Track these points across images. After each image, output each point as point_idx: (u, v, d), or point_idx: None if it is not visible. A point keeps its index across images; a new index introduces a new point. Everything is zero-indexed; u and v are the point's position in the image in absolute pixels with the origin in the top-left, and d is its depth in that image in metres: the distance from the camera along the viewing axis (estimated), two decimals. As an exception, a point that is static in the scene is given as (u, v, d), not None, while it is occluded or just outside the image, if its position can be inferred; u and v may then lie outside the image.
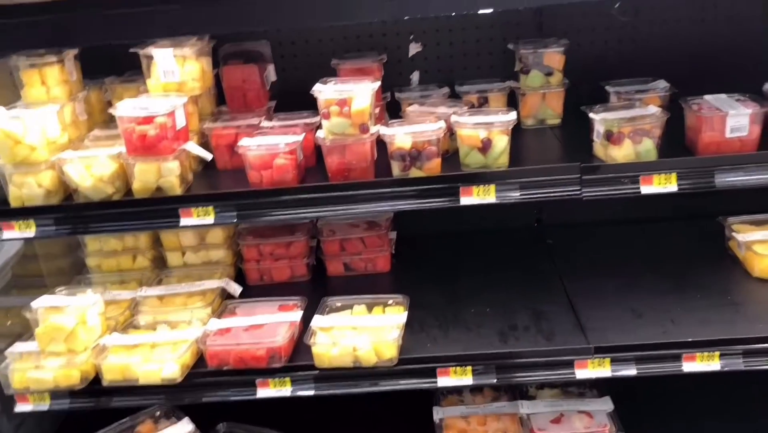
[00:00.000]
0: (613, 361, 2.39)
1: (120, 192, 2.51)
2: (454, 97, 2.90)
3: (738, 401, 2.92)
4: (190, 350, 2.52)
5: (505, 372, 2.43)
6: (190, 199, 2.43)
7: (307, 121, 2.72)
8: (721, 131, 2.36)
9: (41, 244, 3.12)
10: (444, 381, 2.43)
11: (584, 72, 2.91)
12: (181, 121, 2.47)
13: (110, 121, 2.76)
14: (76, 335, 2.50)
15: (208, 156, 2.62)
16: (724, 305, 2.55)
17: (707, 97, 2.50)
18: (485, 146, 2.37)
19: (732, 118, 2.35)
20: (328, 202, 2.39)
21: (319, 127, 2.46)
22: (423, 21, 3.05)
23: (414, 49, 3.11)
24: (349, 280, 3.01)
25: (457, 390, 2.91)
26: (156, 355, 2.52)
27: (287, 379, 2.47)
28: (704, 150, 2.39)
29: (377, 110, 2.67)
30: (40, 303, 2.55)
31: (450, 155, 2.58)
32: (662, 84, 2.77)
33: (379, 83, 2.53)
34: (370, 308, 2.64)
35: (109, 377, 2.49)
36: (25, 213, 2.44)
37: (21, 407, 2.58)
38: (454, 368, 2.42)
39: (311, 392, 2.48)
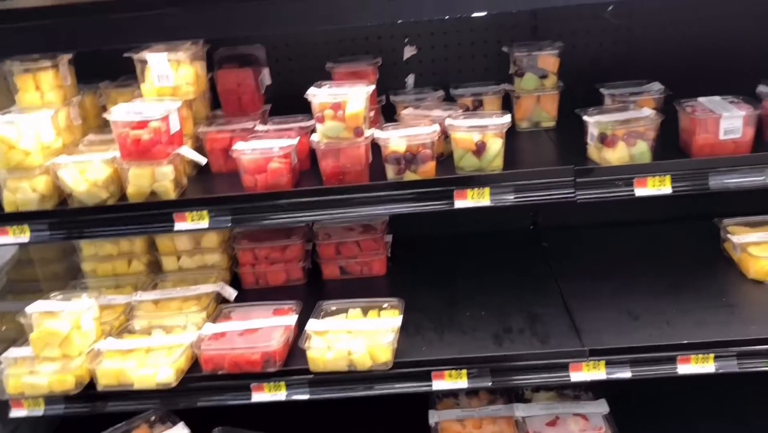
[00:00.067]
0: (608, 363, 2.39)
1: (114, 197, 2.51)
2: (449, 100, 2.90)
3: (733, 403, 2.92)
4: (185, 355, 2.52)
5: (501, 375, 2.43)
6: (184, 204, 2.42)
7: (302, 124, 2.72)
8: (715, 133, 2.37)
9: (36, 249, 3.12)
10: (439, 384, 2.43)
11: (579, 74, 2.91)
12: (175, 126, 2.48)
13: (104, 126, 2.77)
14: (70, 340, 2.50)
15: (203, 160, 2.62)
16: (719, 307, 2.55)
17: (701, 99, 2.51)
18: (480, 149, 2.37)
19: (726, 121, 2.35)
20: (322, 206, 2.38)
21: (314, 130, 2.45)
22: (418, 24, 3.06)
23: (409, 52, 3.11)
24: (345, 283, 3.01)
25: (453, 393, 2.90)
26: (151, 359, 2.52)
27: (282, 383, 2.47)
28: (698, 152, 2.40)
29: (372, 113, 2.66)
30: (35, 308, 2.55)
31: (444, 158, 2.58)
32: (656, 86, 2.78)
33: (373, 87, 2.52)
34: (365, 311, 2.63)
35: (103, 382, 2.48)
36: (19, 218, 2.43)
37: (16, 413, 2.57)
38: (449, 371, 2.42)
39: (306, 397, 2.48)
